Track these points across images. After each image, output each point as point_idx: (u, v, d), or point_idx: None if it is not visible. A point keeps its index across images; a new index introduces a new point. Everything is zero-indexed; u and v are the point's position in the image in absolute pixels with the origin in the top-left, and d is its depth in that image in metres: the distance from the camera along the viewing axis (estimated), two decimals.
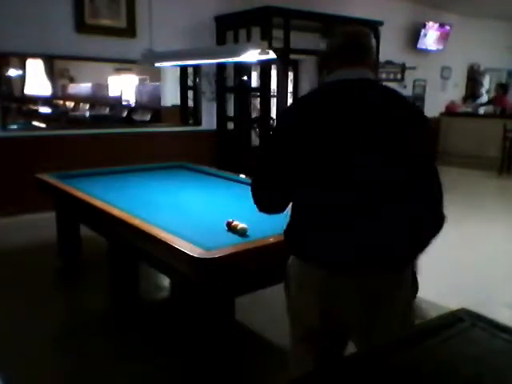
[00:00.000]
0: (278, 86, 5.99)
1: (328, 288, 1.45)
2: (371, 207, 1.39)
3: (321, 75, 1.62)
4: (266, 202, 1.55)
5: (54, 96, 6.39)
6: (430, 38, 8.83)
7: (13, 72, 5.60)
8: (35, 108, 6.33)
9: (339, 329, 1.56)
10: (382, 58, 7.26)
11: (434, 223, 1.45)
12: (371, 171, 1.38)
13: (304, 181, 1.45)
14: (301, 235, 1.49)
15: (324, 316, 1.51)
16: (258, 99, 6.01)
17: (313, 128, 1.41)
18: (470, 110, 9.86)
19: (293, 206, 1.52)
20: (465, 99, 10.24)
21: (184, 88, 6.56)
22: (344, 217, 1.40)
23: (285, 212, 1.58)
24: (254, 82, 6.66)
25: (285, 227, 1.55)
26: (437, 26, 8.82)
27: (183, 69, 6.41)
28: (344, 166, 1.39)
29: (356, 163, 1.38)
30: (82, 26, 5.24)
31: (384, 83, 1.63)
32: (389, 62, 8.16)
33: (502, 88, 9.68)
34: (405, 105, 1.47)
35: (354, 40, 1.50)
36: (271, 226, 2.31)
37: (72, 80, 6.90)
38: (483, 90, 10.59)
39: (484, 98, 10.49)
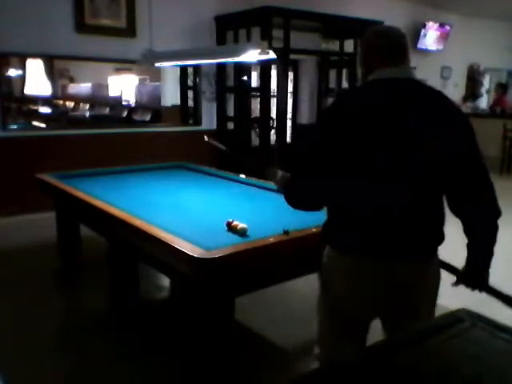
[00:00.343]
0: (278, 86, 5.99)
1: (373, 279, 1.52)
2: (409, 203, 1.48)
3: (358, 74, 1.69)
4: (306, 199, 1.60)
5: (54, 96, 6.39)
6: (430, 37, 8.83)
7: (13, 72, 5.60)
8: (35, 108, 6.33)
9: (376, 317, 1.65)
10: None
11: (483, 215, 1.56)
12: (411, 168, 1.45)
13: (348, 176, 1.49)
14: (344, 231, 1.55)
15: (369, 306, 1.58)
16: (258, 99, 6.01)
17: (359, 125, 1.46)
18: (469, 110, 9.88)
19: (333, 204, 1.58)
20: (465, 99, 10.24)
21: (184, 88, 6.55)
22: (385, 211, 1.48)
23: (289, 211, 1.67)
24: (254, 82, 6.66)
25: (323, 225, 1.62)
26: (437, 25, 8.82)
27: (183, 69, 6.41)
28: (385, 162, 1.45)
29: (396, 160, 1.45)
30: (82, 26, 5.24)
31: (419, 79, 1.67)
32: None
33: (501, 88, 9.69)
34: (448, 105, 1.52)
35: (398, 40, 1.56)
36: (271, 226, 2.32)
37: (72, 80, 6.90)
38: (483, 90, 10.58)
39: (484, 100, 10.49)
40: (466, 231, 1.60)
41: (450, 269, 1.74)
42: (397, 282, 1.53)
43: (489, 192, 1.54)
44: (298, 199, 1.62)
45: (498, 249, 1.76)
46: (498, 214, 1.58)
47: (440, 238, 1.59)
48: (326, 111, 1.65)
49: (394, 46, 1.54)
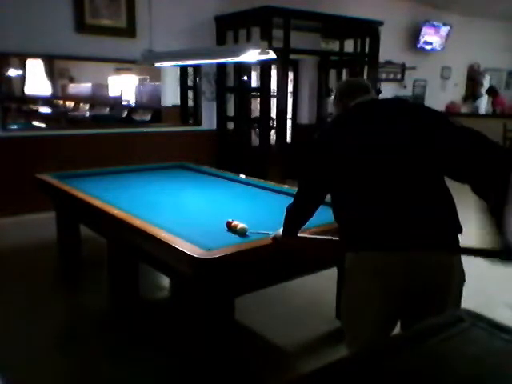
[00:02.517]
0: (278, 86, 5.99)
1: (397, 270, 1.62)
2: (413, 197, 1.64)
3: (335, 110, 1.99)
4: (309, 207, 1.87)
5: (54, 96, 6.40)
6: (430, 37, 8.83)
7: (13, 72, 5.60)
8: (35, 108, 6.34)
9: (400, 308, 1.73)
10: (382, 58, 7.26)
11: (501, 159, 1.56)
12: (403, 168, 1.65)
13: (349, 184, 1.72)
14: (363, 231, 1.69)
15: (395, 297, 1.67)
16: (258, 99, 6.01)
17: (350, 138, 1.72)
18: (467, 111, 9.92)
19: (343, 208, 1.75)
20: (465, 99, 10.24)
21: (184, 88, 6.55)
22: (393, 209, 1.64)
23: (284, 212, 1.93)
24: (254, 82, 6.66)
25: (341, 231, 1.79)
26: (437, 25, 8.82)
27: (183, 69, 6.41)
28: (379, 165, 1.65)
29: (388, 162, 1.65)
30: (82, 26, 5.24)
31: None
32: (389, 62, 8.16)
33: (492, 91, 9.80)
34: (412, 106, 1.80)
35: (359, 82, 1.97)
36: (271, 226, 2.32)
37: (72, 80, 6.91)
38: (483, 90, 10.59)
39: (483, 101, 10.51)
40: (485, 190, 1.63)
41: (477, 251, 1.81)
42: (419, 272, 1.62)
43: (492, 144, 1.62)
44: (300, 204, 1.90)
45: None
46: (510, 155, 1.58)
47: (457, 227, 1.73)
48: (321, 132, 1.89)
49: (355, 89, 1.88)
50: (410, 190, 1.65)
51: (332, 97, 2.00)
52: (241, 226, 2.31)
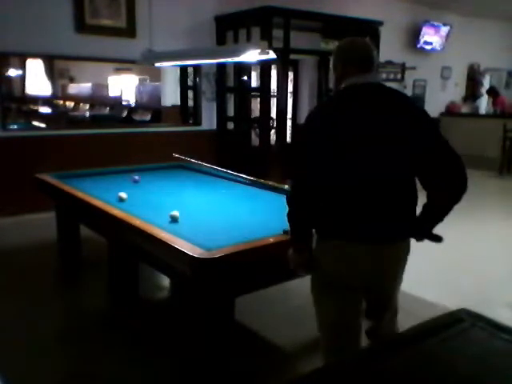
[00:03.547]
0: (278, 86, 5.99)
1: (362, 259, 1.73)
2: (388, 194, 1.71)
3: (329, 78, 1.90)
4: (302, 199, 1.74)
5: (54, 96, 6.40)
6: (430, 38, 8.83)
7: (13, 72, 5.61)
8: (35, 108, 6.34)
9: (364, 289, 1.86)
10: (382, 58, 7.25)
11: (457, 185, 1.77)
12: (387, 163, 1.68)
13: (336, 173, 1.68)
14: (339, 222, 1.72)
15: (357, 278, 1.79)
16: (258, 99, 6.01)
17: (339, 127, 1.67)
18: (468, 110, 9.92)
19: (325, 199, 1.72)
20: (465, 99, 10.24)
21: (184, 88, 6.56)
22: (368, 202, 1.69)
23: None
24: (254, 82, 6.66)
25: (316, 218, 1.76)
26: (436, 26, 8.82)
27: (183, 69, 6.41)
28: (364, 157, 1.66)
29: (374, 155, 1.66)
30: (81, 26, 5.24)
31: (384, 83, 1.86)
32: (389, 62, 8.16)
33: (492, 91, 9.81)
34: (410, 104, 1.79)
35: (366, 52, 1.80)
36: (271, 226, 2.32)
37: (72, 80, 6.91)
38: (483, 90, 10.60)
39: (483, 101, 10.52)
40: (432, 203, 1.79)
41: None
42: (382, 260, 1.76)
43: (459, 168, 1.77)
44: (295, 196, 1.76)
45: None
46: (465, 186, 1.80)
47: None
48: (308, 117, 1.78)
49: (363, 57, 1.78)
50: (388, 184, 1.71)
51: (332, 57, 1.86)
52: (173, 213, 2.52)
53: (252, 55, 2.87)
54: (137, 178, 3.61)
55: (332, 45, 7.22)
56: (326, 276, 1.81)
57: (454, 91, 10.00)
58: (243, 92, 6.18)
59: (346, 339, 1.86)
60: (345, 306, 1.83)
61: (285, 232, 2.19)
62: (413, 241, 1.87)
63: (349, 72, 1.77)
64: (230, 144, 6.34)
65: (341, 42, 1.86)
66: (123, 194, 3.00)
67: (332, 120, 1.68)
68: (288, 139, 7.14)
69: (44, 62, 5.86)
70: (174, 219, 2.52)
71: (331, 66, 1.87)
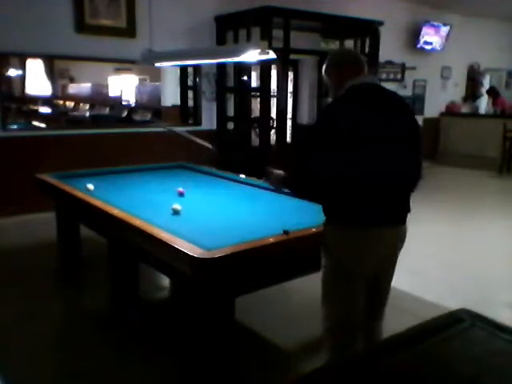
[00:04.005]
0: (278, 86, 5.99)
1: (380, 244, 1.87)
2: (401, 182, 1.88)
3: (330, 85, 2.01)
4: (315, 189, 1.84)
5: (54, 96, 6.41)
6: (430, 38, 8.83)
7: (13, 72, 5.61)
8: (35, 108, 6.35)
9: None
10: (382, 58, 7.26)
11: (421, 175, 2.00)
12: (400, 156, 1.84)
13: (362, 166, 1.78)
14: (365, 209, 1.82)
15: (373, 265, 1.91)
16: (258, 99, 6.01)
17: (359, 122, 1.76)
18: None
19: (349, 189, 1.80)
20: (465, 99, 10.25)
21: (184, 88, 6.56)
22: (383, 191, 1.82)
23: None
24: (254, 82, 6.66)
25: (337, 209, 1.85)
26: (437, 26, 8.82)
27: (183, 69, 6.41)
28: (383, 152, 1.78)
29: (390, 150, 1.80)
30: (82, 26, 5.24)
31: (384, 83, 2.00)
32: (389, 62, 8.16)
33: (492, 92, 9.81)
34: (405, 102, 1.97)
35: (359, 56, 2.00)
36: (271, 226, 2.32)
37: (72, 80, 6.92)
38: (483, 90, 10.60)
39: (483, 101, 10.52)
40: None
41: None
42: (392, 244, 1.91)
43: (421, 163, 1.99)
44: (308, 187, 1.86)
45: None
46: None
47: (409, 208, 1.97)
48: (325, 113, 1.92)
49: (359, 59, 1.95)
50: (401, 174, 1.87)
51: (325, 65, 1.98)
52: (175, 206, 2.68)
53: (252, 55, 2.87)
54: (181, 190, 3.24)
55: (332, 45, 7.23)
56: (345, 265, 1.87)
57: (454, 91, 10.01)
58: (243, 92, 6.18)
59: (354, 331, 1.94)
60: (357, 295, 1.92)
61: (285, 232, 2.19)
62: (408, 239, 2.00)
63: (349, 74, 1.90)
64: (230, 144, 6.34)
65: (330, 53, 2.03)
66: (90, 186, 3.21)
67: (352, 115, 1.77)
68: (288, 139, 7.14)
69: (44, 62, 5.87)
70: (175, 212, 2.67)
71: (325, 77, 2.00)
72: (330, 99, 2.09)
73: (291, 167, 1.93)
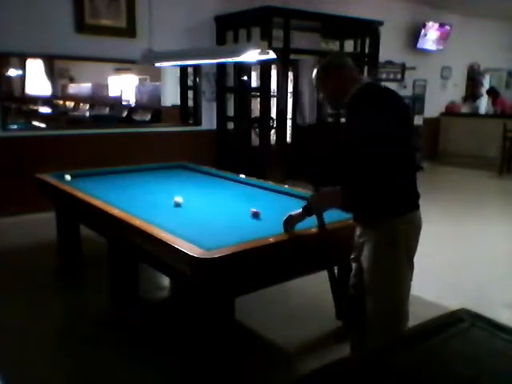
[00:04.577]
0: (278, 86, 5.99)
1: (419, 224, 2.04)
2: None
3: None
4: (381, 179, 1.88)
5: (54, 96, 6.41)
6: (430, 37, 8.83)
7: (13, 72, 5.60)
8: (35, 108, 6.35)
9: None
10: (382, 58, 7.26)
11: None
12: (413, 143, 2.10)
13: (405, 153, 1.94)
14: (403, 196, 1.97)
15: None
16: (258, 99, 6.01)
17: (394, 115, 1.91)
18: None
19: (400, 176, 1.92)
20: (465, 99, 10.24)
21: (184, 88, 6.56)
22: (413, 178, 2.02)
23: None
24: (254, 82, 6.66)
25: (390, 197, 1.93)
26: (437, 25, 8.82)
27: (183, 69, 6.41)
28: (409, 140, 1.99)
29: (411, 139, 2.03)
30: (82, 26, 5.24)
31: (384, 83, 2.13)
32: (389, 62, 8.16)
33: (492, 92, 9.81)
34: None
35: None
36: (271, 226, 2.32)
37: (72, 80, 6.91)
38: (483, 90, 10.60)
39: (483, 101, 10.52)
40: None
41: None
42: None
43: None
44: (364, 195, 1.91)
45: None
46: None
47: None
48: (375, 100, 1.94)
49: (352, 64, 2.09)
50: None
51: (323, 69, 2.05)
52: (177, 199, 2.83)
53: (252, 55, 2.87)
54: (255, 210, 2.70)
55: (332, 45, 7.23)
56: (406, 249, 1.98)
57: (454, 91, 10.01)
58: (243, 92, 6.18)
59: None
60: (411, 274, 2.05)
61: (286, 229, 2.20)
62: None
63: (355, 76, 2.03)
64: (230, 144, 6.34)
65: (324, 63, 2.09)
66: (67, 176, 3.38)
67: (392, 106, 1.91)
68: (288, 139, 7.14)
69: (44, 62, 5.87)
70: (177, 204, 2.87)
71: (321, 81, 2.07)
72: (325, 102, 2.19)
73: (345, 176, 1.94)
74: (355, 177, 1.88)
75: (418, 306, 3.12)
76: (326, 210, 2.12)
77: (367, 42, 6.70)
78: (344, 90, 2.00)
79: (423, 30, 8.65)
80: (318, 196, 2.08)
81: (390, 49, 7.67)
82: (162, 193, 3.32)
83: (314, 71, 2.11)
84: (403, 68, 8.53)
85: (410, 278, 2.06)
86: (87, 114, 7.28)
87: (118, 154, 5.25)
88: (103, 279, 3.27)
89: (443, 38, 9.04)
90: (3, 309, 3.13)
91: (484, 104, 10.55)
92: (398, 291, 2.03)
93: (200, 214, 2.79)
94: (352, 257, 2.19)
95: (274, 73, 5.91)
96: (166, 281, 3.58)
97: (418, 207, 2.02)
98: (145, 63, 3.95)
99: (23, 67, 5.86)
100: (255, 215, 2.65)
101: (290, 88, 7.34)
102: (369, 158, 1.82)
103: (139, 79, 7.52)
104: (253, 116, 6.35)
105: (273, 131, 6.33)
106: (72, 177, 3.66)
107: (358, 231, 2.12)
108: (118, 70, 6.73)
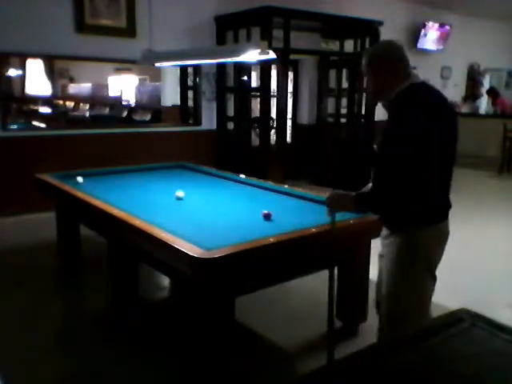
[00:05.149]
0: (278, 86, 5.99)
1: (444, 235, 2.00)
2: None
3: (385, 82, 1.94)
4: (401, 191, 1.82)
5: (54, 96, 6.40)
6: (430, 38, 8.83)
7: (13, 72, 5.60)
8: (35, 108, 6.34)
9: None
10: None
11: None
12: (452, 157, 1.94)
13: (441, 162, 1.88)
14: (431, 207, 1.91)
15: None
16: (258, 99, 6.01)
17: (437, 123, 1.82)
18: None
19: (431, 186, 1.87)
20: (465, 99, 10.24)
21: (184, 88, 6.55)
22: (446, 189, 1.95)
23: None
24: (254, 82, 6.66)
25: (414, 210, 1.89)
26: (437, 25, 8.82)
27: (183, 69, 6.41)
28: (449, 149, 1.89)
29: (453, 148, 1.91)
30: (82, 26, 5.24)
31: None
32: None
33: (492, 92, 9.81)
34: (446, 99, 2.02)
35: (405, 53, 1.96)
36: (271, 226, 2.32)
37: (72, 80, 6.91)
38: (483, 90, 10.60)
39: (483, 101, 10.52)
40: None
41: None
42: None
43: None
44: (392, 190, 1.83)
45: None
46: None
47: None
48: (418, 111, 1.82)
49: (406, 55, 1.94)
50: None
51: (374, 57, 1.89)
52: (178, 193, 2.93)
53: (252, 55, 2.87)
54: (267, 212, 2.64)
55: (332, 45, 7.23)
56: (427, 261, 1.95)
57: (454, 91, 10.00)
58: (243, 92, 6.18)
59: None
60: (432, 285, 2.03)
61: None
62: None
63: (404, 72, 1.90)
64: (230, 144, 6.34)
65: (385, 45, 1.97)
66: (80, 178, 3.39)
67: (432, 116, 1.81)
68: (288, 139, 7.14)
69: (44, 62, 5.86)
70: (178, 198, 3.00)
71: (369, 69, 1.92)
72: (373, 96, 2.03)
73: (374, 181, 1.88)
74: (387, 181, 1.82)
75: None
76: (339, 211, 2.11)
77: (367, 41, 6.70)
78: (387, 85, 1.89)
79: (423, 30, 8.64)
80: (332, 195, 2.02)
81: None
82: (162, 193, 3.32)
83: (364, 56, 1.97)
84: None
85: (431, 289, 2.02)
86: (87, 113, 7.27)
87: (118, 154, 5.25)
88: (103, 279, 3.27)
89: (443, 38, 9.03)
90: (3, 309, 3.13)
91: (484, 104, 10.54)
92: (412, 300, 1.98)
93: (200, 214, 2.79)
94: (380, 254, 2.15)
95: (274, 73, 5.91)
96: (166, 281, 3.58)
97: (445, 217, 1.97)
98: (145, 63, 3.95)
99: (23, 67, 5.85)
100: (267, 217, 2.56)
101: (290, 88, 7.34)
102: (403, 166, 1.76)
103: (139, 79, 7.51)
104: (253, 116, 6.35)
105: (273, 131, 6.33)
106: (72, 177, 3.66)
107: (384, 231, 2.07)
108: (118, 70, 6.73)
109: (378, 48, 1.98)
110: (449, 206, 1.98)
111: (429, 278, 1.99)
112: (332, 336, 2.24)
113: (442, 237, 1.98)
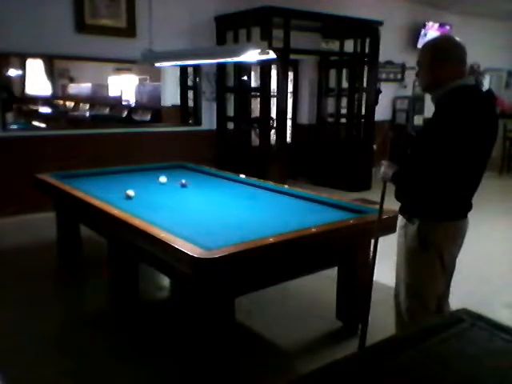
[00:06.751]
0: (278, 86, 5.99)
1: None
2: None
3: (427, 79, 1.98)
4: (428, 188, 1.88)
5: (54, 96, 6.41)
6: (431, 37, 8.82)
7: (13, 72, 5.61)
8: (35, 108, 6.35)
9: None
10: (382, 58, 7.26)
11: None
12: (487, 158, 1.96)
13: (473, 167, 1.90)
14: (451, 205, 1.96)
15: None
16: (258, 99, 6.01)
17: (483, 128, 1.85)
18: None
19: (453, 186, 1.89)
20: None
21: (184, 88, 6.55)
22: (472, 190, 1.99)
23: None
24: (254, 82, 6.66)
25: (443, 206, 1.95)
26: (437, 25, 8.81)
27: (183, 69, 6.41)
28: (485, 154, 1.91)
29: (489, 153, 1.94)
30: (81, 26, 5.24)
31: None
32: (389, 62, 8.15)
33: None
34: (494, 103, 2.13)
35: (465, 53, 2.01)
36: (271, 226, 2.32)
37: (72, 80, 6.92)
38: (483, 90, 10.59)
39: None
40: None
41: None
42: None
43: None
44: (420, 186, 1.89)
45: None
46: None
47: None
48: (465, 112, 1.83)
49: (466, 56, 1.97)
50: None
51: (434, 52, 1.90)
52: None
53: (252, 55, 2.87)
54: (183, 182, 3.56)
55: (332, 45, 7.23)
56: (439, 255, 1.98)
57: None
58: (243, 92, 6.18)
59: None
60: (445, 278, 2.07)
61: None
62: None
63: (460, 72, 1.90)
64: (230, 144, 6.34)
65: (450, 41, 2.00)
66: (131, 192, 3.12)
67: (482, 120, 1.84)
68: (288, 139, 7.14)
69: (44, 61, 5.87)
70: (128, 197, 3.01)
71: (420, 64, 1.96)
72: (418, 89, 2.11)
73: (408, 163, 1.94)
74: (422, 170, 1.85)
75: None
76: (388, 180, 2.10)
77: (367, 41, 6.70)
78: (441, 81, 1.90)
79: (423, 30, 8.64)
80: (385, 164, 2.06)
81: (390, 49, 7.67)
82: (162, 193, 3.32)
83: (424, 46, 2.00)
84: (403, 68, 8.53)
85: (443, 282, 2.05)
86: (87, 114, 7.28)
87: (118, 154, 5.25)
88: (103, 279, 3.27)
89: None
90: (3, 309, 3.13)
91: None
92: (424, 292, 1.99)
93: (200, 214, 2.79)
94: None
95: (274, 73, 5.91)
96: (165, 281, 3.58)
97: (464, 216, 2.02)
98: (145, 63, 3.95)
99: (23, 67, 5.86)
100: (183, 186, 3.36)
101: (290, 88, 7.34)
102: (441, 162, 1.80)
103: (139, 79, 7.53)
104: (253, 116, 6.35)
105: (273, 131, 6.33)
106: (72, 177, 3.66)
107: (400, 221, 2.12)
108: (118, 70, 6.74)
109: (443, 42, 2.00)
110: (470, 206, 2.02)
111: (440, 272, 2.01)
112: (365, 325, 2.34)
113: (457, 234, 2.04)
